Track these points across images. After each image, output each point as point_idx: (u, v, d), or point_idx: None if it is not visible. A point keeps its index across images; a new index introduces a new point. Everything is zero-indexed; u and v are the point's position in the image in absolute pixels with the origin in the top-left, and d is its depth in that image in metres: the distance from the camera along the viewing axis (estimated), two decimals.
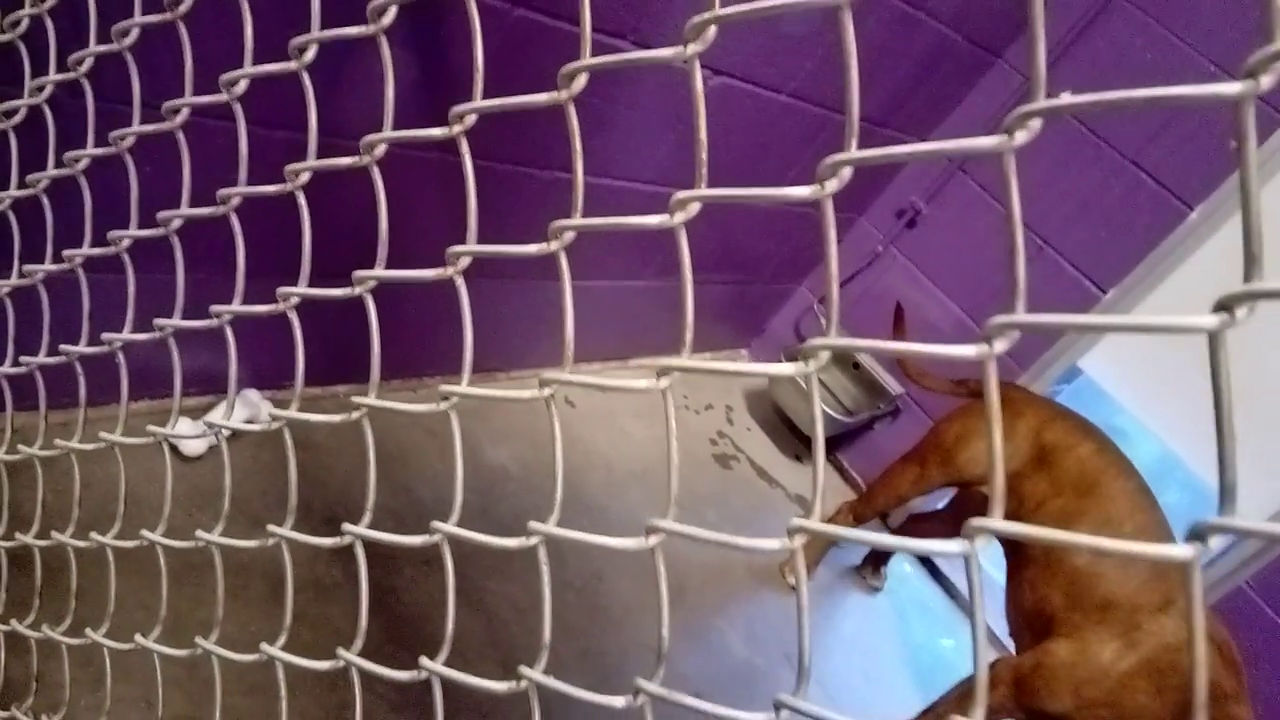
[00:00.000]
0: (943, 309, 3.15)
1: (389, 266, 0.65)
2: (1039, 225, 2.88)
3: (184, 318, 0.81)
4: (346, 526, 0.65)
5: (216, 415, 1.98)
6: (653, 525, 0.50)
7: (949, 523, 2.65)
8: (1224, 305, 0.35)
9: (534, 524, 0.55)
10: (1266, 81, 0.36)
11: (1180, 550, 0.36)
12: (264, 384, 2.15)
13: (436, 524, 0.59)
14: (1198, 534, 0.36)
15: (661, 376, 0.50)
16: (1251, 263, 0.35)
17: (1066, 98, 0.38)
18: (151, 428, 0.83)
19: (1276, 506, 2.52)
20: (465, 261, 0.60)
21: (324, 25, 0.68)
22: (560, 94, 0.54)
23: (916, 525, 2.75)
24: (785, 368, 0.45)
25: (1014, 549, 2.19)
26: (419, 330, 2.35)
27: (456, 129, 0.59)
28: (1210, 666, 1.74)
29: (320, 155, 0.70)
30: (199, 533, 0.76)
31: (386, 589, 1.85)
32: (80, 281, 0.93)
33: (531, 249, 0.55)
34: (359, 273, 0.65)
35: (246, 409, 2.07)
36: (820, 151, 2.80)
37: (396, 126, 0.65)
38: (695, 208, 0.50)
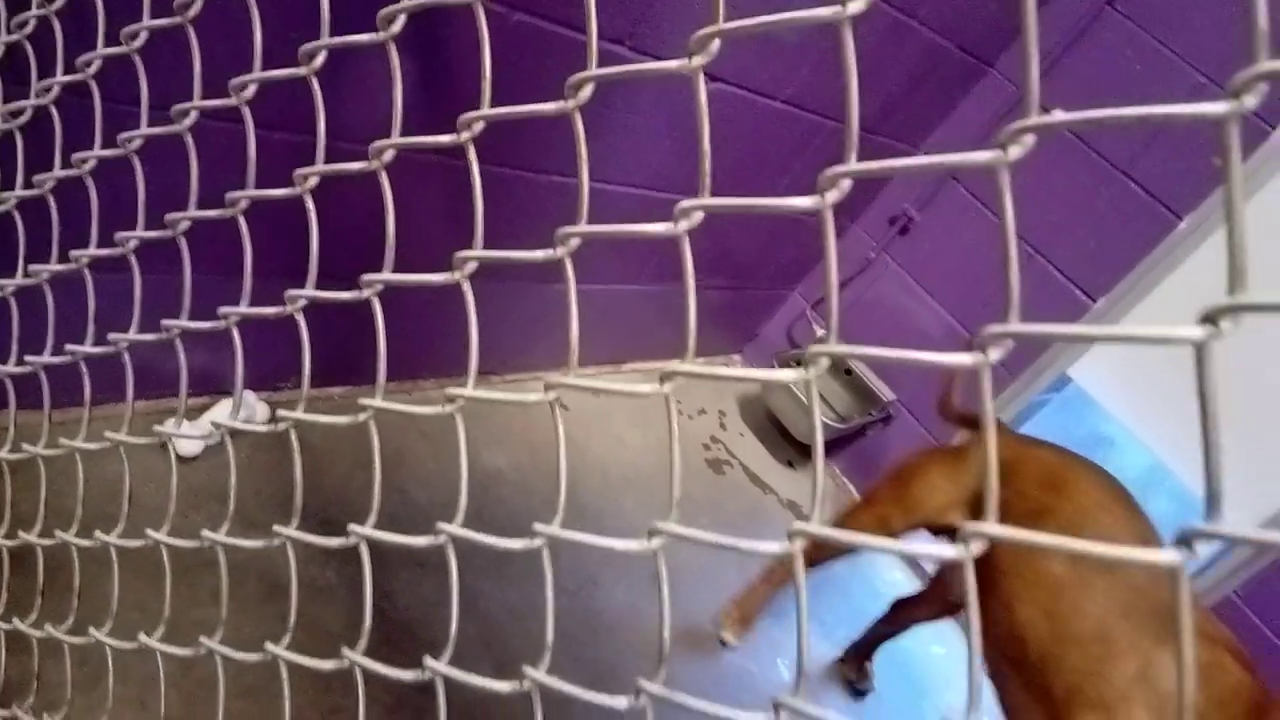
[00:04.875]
0: (935, 316, 3.18)
1: (389, 270, 0.66)
2: (1029, 234, 2.90)
3: (187, 319, 0.82)
4: (353, 527, 0.66)
5: (219, 413, 1.98)
6: (655, 528, 0.51)
7: (934, 602, 2.43)
8: (1210, 317, 0.36)
9: (539, 525, 0.56)
10: (1250, 101, 0.37)
11: (1166, 555, 0.38)
12: (258, 385, 2.15)
13: (441, 525, 0.60)
14: (1184, 539, 0.37)
15: (664, 381, 0.51)
16: (1236, 276, 0.37)
17: (1059, 115, 0.39)
18: (157, 427, 0.84)
19: (1264, 515, 2.54)
20: (472, 266, 0.61)
21: (323, 28, 0.69)
22: (568, 104, 0.55)
23: (903, 610, 2.50)
24: (785, 374, 0.46)
25: (981, 571, 1.97)
26: (413, 334, 2.35)
27: (465, 136, 0.60)
28: (1242, 683, 1.60)
29: (322, 159, 0.71)
30: (205, 532, 0.77)
31: (381, 593, 1.86)
32: (86, 281, 0.94)
33: (539, 255, 0.56)
34: (367, 276, 0.66)
35: (242, 410, 2.07)
36: (815, 157, 2.82)
37: (400, 131, 0.66)
38: (699, 216, 0.51)
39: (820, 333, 3.42)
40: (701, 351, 3.60)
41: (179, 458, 1.88)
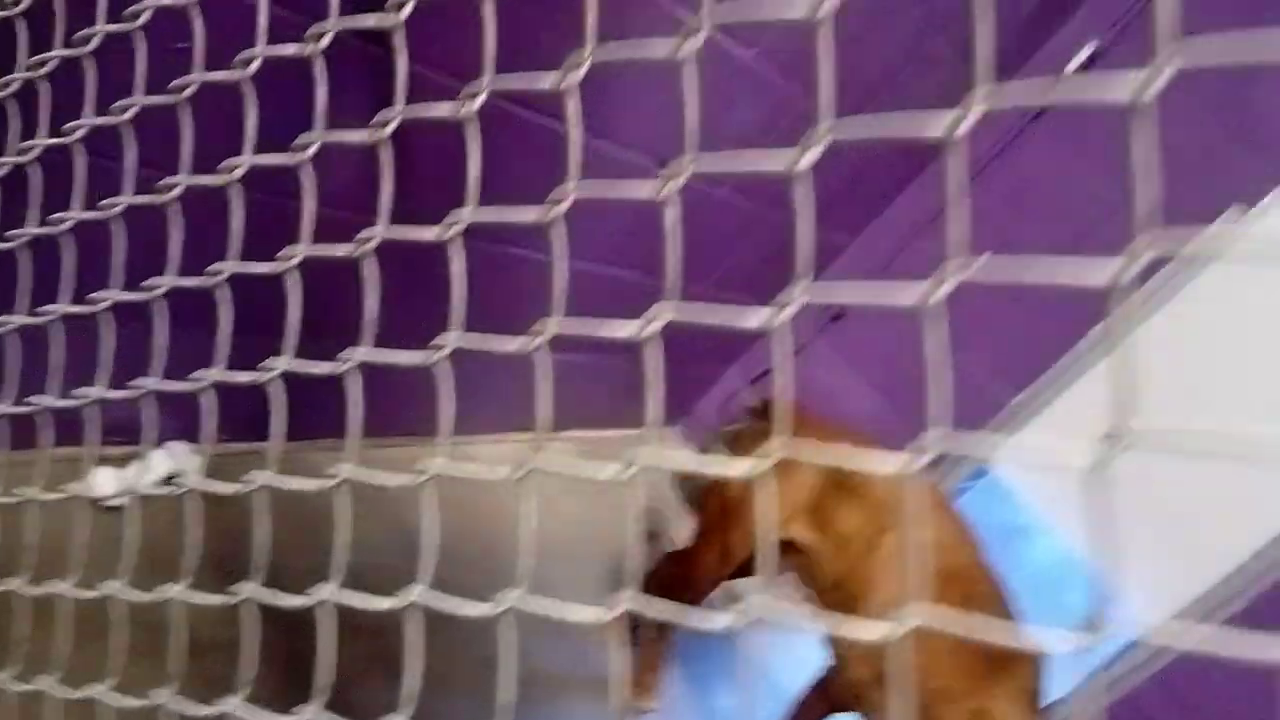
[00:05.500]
0: (865, 396, 3.28)
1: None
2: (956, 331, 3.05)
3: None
4: (320, 588, 0.69)
5: (156, 462, 1.95)
6: (615, 600, 0.55)
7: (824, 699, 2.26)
8: (1106, 438, 0.43)
9: (503, 593, 0.60)
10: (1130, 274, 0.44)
11: (1067, 642, 0.44)
12: (192, 436, 2.12)
13: (407, 590, 0.64)
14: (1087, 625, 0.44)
15: (629, 466, 0.56)
16: (1121, 408, 0.44)
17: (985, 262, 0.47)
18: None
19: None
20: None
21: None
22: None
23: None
24: (739, 466, 0.52)
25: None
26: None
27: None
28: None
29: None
30: (162, 587, 0.78)
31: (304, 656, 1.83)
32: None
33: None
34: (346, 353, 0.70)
35: (171, 462, 2.03)
36: (759, 239, 2.95)
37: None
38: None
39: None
40: (635, 422, 3.63)
41: (100, 505, 1.83)
